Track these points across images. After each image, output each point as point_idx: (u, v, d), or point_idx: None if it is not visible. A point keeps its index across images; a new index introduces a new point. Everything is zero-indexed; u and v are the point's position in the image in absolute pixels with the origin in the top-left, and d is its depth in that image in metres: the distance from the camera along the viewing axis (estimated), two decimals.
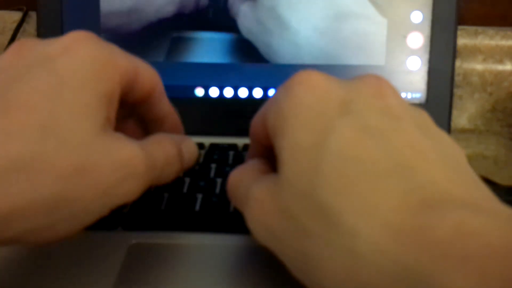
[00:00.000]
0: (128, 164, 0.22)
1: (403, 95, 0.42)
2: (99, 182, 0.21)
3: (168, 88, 0.43)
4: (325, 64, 0.42)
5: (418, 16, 0.41)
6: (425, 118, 0.21)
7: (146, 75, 0.26)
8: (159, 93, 0.27)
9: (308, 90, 0.20)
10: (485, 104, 0.53)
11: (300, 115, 0.20)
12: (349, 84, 0.21)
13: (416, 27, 0.41)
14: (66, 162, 0.20)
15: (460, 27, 0.44)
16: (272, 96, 0.23)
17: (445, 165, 0.18)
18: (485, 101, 0.53)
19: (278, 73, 0.42)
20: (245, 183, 0.22)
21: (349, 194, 0.18)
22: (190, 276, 0.26)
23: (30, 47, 0.23)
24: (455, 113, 0.52)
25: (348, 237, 0.17)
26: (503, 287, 0.14)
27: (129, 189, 0.22)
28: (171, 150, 0.25)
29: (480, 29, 0.52)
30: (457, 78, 0.51)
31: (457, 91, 0.52)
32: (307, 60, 0.42)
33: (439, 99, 0.42)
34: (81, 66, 0.22)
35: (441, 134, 0.21)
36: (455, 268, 0.15)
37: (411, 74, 0.42)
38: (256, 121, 0.24)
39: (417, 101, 0.42)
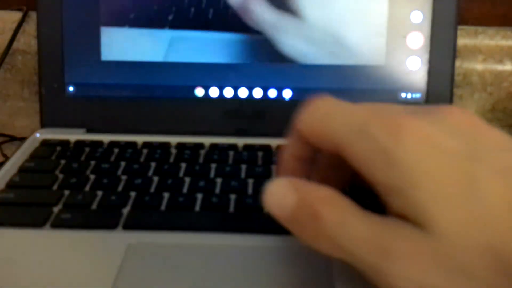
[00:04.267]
0: None
1: (402, 95, 0.42)
2: None
3: (168, 88, 0.44)
4: (325, 64, 0.42)
5: (418, 16, 0.41)
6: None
7: None
8: None
9: (423, 143, 0.19)
10: (485, 104, 0.53)
11: (432, 173, 0.19)
12: (448, 128, 0.20)
13: (416, 27, 0.41)
14: None
15: (460, 27, 0.44)
16: (356, 124, 0.21)
17: None
18: (485, 101, 0.53)
19: (278, 73, 0.42)
20: (359, 229, 0.20)
21: None
22: (190, 276, 0.26)
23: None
24: None
25: None
26: None
27: None
28: None
29: (480, 29, 0.52)
30: (457, 78, 0.51)
31: (457, 91, 0.52)
32: (307, 60, 0.42)
33: (439, 99, 0.42)
34: None
35: None
36: None
37: (411, 74, 0.42)
38: (321, 133, 0.22)
39: (417, 101, 0.42)
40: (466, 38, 0.52)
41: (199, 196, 0.32)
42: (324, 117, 0.22)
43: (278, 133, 0.40)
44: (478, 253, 0.18)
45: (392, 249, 0.19)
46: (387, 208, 0.20)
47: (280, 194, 0.21)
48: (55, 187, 0.33)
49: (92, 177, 0.34)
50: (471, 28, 0.52)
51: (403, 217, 0.19)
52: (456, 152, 0.19)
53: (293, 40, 0.42)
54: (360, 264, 0.20)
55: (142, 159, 0.37)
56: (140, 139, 0.40)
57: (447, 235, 0.18)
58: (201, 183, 0.33)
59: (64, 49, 0.42)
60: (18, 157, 0.37)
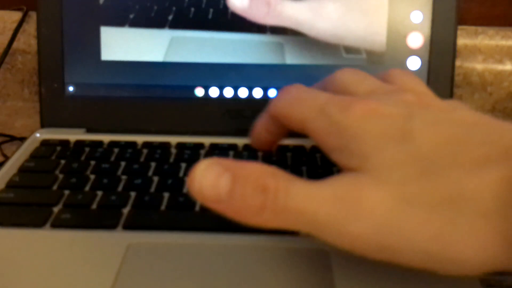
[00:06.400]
0: None
1: None
2: None
3: (168, 88, 0.44)
4: (325, 64, 0.42)
5: (418, 16, 0.41)
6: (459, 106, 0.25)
7: None
8: None
9: (367, 113, 0.23)
10: (485, 104, 0.53)
11: (372, 130, 0.22)
12: (394, 97, 0.24)
13: (416, 27, 0.41)
14: None
15: (460, 27, 0.44)
16: (315, 107, 0.25)
17: None
18: (485, 101, 0.53)
19: (278, 73, 0.42)
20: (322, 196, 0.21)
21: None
22: (190, 276, 0.26)
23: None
24: None
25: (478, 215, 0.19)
26: None
27: None
28: None
29: (480, 29, 0.52)
30: (457, 78, 0.51)
31: (457, 91, 0.52)
32: (307, 61, 0.42)
33: None
34: None
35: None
36: None
37: None
38: (289, 115, 0.26)
39: None
40: (466, 38, 0.52)
41: None
42: (292, 102, 0.26)
43: None
44: (417, 180, 0.21)
45: (341, 197, 0.21)
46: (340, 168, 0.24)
47: (211, 176, 0.22)
48: (55, 187, 0.33)
49: (92, 177, 0.34)
50: (471, 28, 0.52)
51: (352, 170, 0.22)
52: (395, 115, 0.23)
53: (295, 41, 0.42)
54: (311, 223, 0.21)
55: (142, 159, 0.37)
56: (140, 139, 0.40)
57: (385, 171, 0.21)
58: None
59: (64, 49, 0.42)
60: (18, 157, 0.37)
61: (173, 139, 0.40)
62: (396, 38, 0.41)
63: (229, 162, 0.22)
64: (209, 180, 0.22)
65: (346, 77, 0.27)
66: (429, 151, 0.21)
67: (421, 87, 0.27)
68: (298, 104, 0.26)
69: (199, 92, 0.42)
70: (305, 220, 0.21)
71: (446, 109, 0.24)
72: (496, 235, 0.19)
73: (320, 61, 0.42)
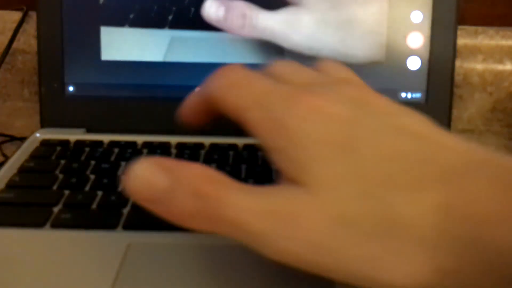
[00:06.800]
0: None
1: (403, 95, 0.42)
2: None
3: (168, 88, 0.43)
4: None
5: (418, 16, 0.41)
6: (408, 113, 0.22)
7: None
8: None
9: (312, 111, 0.21)
10: (485, 104, 0.53)
11: (313, 135, 0.21)
12: (335, 88, 0.23)
13: (416, 27, 0.41)
14: None
15: (460, 27, 0.44)
16: (257, 94, 0.23)
17: None
18: (485, 101, 0.53)
19: None
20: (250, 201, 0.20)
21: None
22: (190, 276, 0.26)
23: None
24: (455, 113, 0.52)
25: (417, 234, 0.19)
26: None
27: None
28: None
29: (480, 29, 0.52)
30: (457, 78, 0.51)
31: (457, 91, 0.52)
32: (307, 61, 0.42)
33: (439, 99, 0.42)
34: None
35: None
36: None
37: (411, 74, 0.42)
38: (224, 100, 0.24)
39: (417, 101, 0.42)
40: (466, 38, 0.52)
41: None
42: (230, 85, 0.24)
43: None
44: (356, 201, 0.19)
45: (277, 212, 0.20)
46: (278, 174, 0.22)
47: (149, 175, 0.21)
48: (55, 187, 0.33)
49: (92, 177, 0.34)
50: (471, 28, 0.52)
51: (291, 180, 0.21)
52: (340, 118, 0.21)
53: (295, 41, 0.42)
54: (245, 235, 0.20)
55: None
56: (140, 139, 0.40)
57: (325, 189, 0.20)
58: None
59: (64, 49, 0.42)
60: (18, 157, 0.37)
61: (173, 139, 0.40)
62: (396, 38, 0.41)
63: (169, 162, 0.21)
64: (145, 179, 0.21)
65: (284, 67, 0.26)
66: (371, 168, 0.20)
67: (355, 78, 0.26)
68: (236, 89, 0.24)
69: None
70: (239, 231, 0.20)
71: (391, 111, 0.23)
72: (430, 263, 0.19)
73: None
